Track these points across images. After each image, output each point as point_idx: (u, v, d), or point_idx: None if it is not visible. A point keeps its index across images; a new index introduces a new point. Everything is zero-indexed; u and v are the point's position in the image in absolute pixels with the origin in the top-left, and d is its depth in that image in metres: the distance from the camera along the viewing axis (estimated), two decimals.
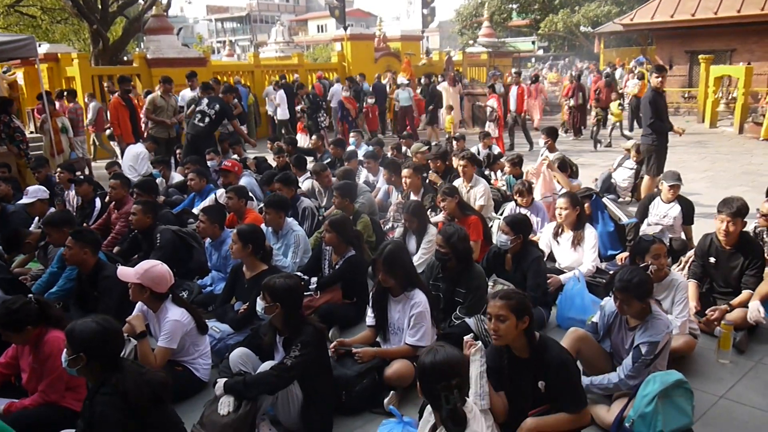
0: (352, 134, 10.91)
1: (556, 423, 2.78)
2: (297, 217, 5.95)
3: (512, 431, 2.83)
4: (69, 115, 10.98)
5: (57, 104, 11.15)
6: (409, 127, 14.18)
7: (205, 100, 8.54)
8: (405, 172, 6.33)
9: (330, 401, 3.29)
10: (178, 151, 9.70)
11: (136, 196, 6.07)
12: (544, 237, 5.34)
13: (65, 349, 2.61)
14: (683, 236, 5.62)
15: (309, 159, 8.90)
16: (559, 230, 5.18)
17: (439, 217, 5.73)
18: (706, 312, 4.17)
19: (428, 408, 2.50)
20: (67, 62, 14.47)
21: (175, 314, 3.53)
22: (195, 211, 6.34)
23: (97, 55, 16.37)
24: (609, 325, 3.42)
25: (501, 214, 6.23)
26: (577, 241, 5.00)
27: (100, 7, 16.99)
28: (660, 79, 7.16)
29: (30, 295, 3.51)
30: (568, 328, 3.54)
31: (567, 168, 6.96)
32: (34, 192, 6.29)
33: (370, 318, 3.82)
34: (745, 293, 4.18)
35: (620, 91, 15.57)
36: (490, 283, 4.26)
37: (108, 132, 11.98)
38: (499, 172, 8.49)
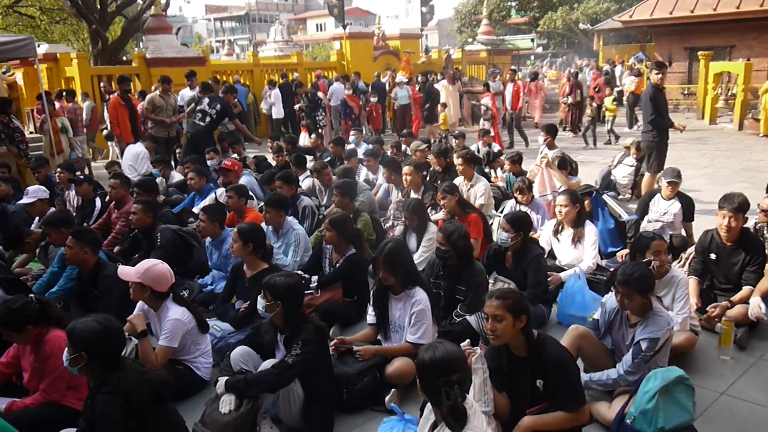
0: (352, 132, 10.92)
1: (554, 421, 2.77)
2: (297, 216, 5.95)
3: (509, 429, 2.83)
4: (68, 115, 11.00)
5: (56, 104, 11.15)
6: (410, 124, 14.16)
7: (206, 100, 8.54)
8: (405, 169, 6.34)
9: (331, 399, 3.29)
10: (177, 151, 9.72)
11: (136, 195, 6.07)
12: (544, 234, 5.33)
13: (66, 349, 2.61)
14: (683, 233, 5.63)
15: (308, 158, 8.90)
16: (560, 227, 5.17)
17: (440, 215, 5.74)
18: (707, 309, 4.17)
19: (428, 406, 2.49)
20: (66, 62, 14.48)
21: (176, 313, 3.53)
22: (195, 210, 6.34)
23: (96, 55, 16.37)
24: (610, 321, 3.42)
25: (501, 212, 6.22)
26: (577, 239, 4.99)
27: (98, 7, 16.97)
28: (660, 75, 7.15)
29: (31, 294, 3.51)
30: (569, 326, 3.54)
31: (567, 165, 6.94)
32: (35, 192, 6.29)
33: (370, 316, 3.82)
34: (745, 289, 4.17)
35: (617, 88, 15.55)
36: (491, 281, 4.27)
37: (105, 132, 11.99)
38: (499, 170, 8.49)
